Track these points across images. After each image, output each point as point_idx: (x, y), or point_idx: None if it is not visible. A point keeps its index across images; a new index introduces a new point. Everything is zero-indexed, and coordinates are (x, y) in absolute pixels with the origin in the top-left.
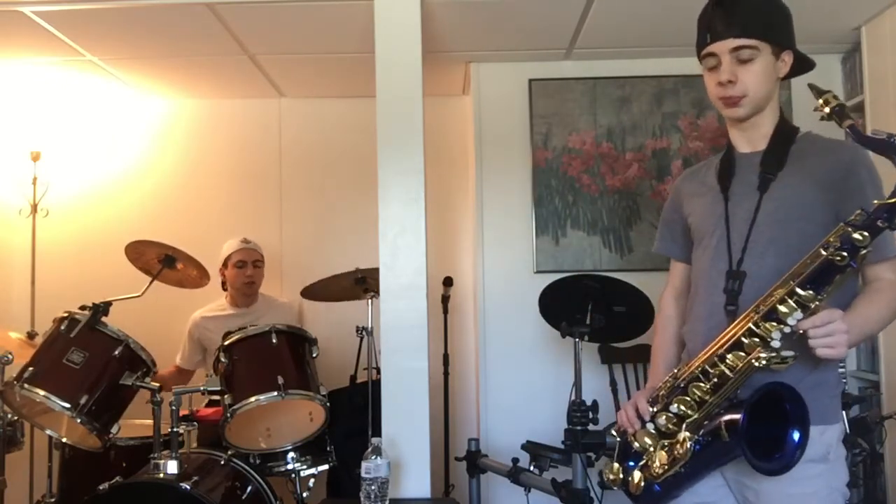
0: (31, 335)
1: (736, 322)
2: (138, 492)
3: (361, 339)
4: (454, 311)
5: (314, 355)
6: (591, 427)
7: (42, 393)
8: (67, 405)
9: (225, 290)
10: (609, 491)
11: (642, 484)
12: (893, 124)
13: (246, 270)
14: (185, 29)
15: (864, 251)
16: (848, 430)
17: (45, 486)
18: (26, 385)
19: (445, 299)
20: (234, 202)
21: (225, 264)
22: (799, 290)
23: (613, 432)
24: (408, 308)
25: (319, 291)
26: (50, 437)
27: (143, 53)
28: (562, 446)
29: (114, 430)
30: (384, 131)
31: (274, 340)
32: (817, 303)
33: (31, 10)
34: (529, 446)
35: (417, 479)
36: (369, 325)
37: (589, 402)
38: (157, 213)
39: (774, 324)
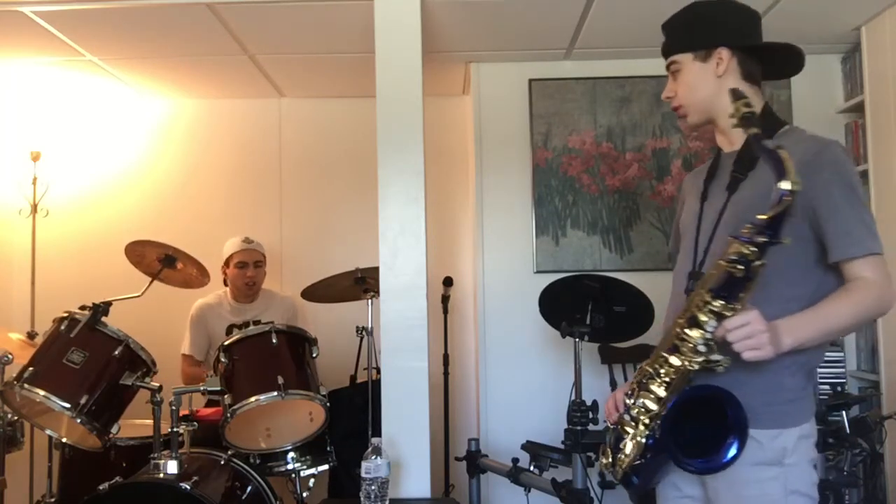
0: (31, 335)
1: (671, 326)
2: (138, 492)
3: (361, 339)
4: (454, 311)
5: (314, 355)
6: (591, 427)
7: (42, 393)
8: (67, 405)
9: (226, 285)
10: (609, 491)
11: (620, 470)
12: (894, 124)
13: (247, 272)
14: (185, 29)
15: (758, 263)
16: (848, 431)
17: (45, 486)
18: (26, 385)
19: (445, 299)
20: (234, 202)
21: (227, 263)
22: (710, 301)
23: (607, 421)
24: (408, 308)
25: (319, 292)
26: (50, 437)
27: (143, 53)
28: (562, 446)
29: (114, 430)
30: (384, 131)
31: (274, 340)
32: (731, 312)
33: (31, 10)
34: (529, 446)
35: (417, 479)
36: (369, 325)
37: (589, 402)
38: (157, 213)
39: (698, 330)
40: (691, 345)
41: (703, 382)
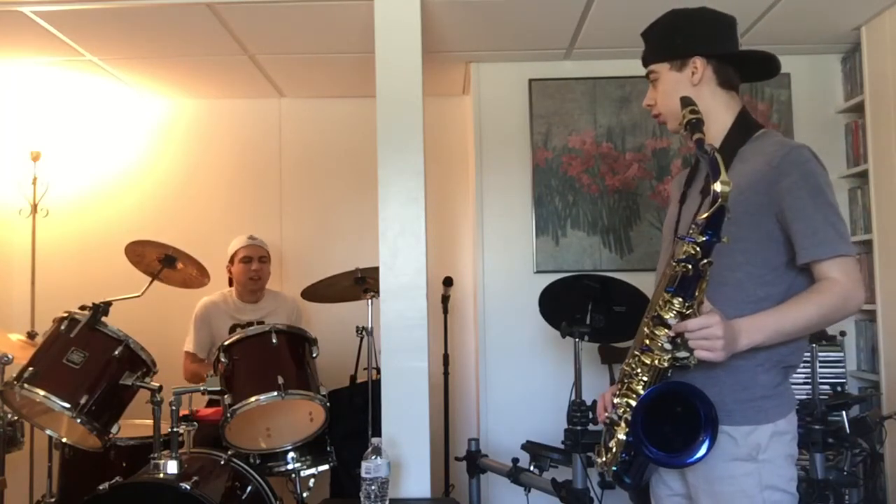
0: (31, 335)
1: (640, 325)
2: (138, 492)
3: (361, 339)
4: (454, 311)
5: (314, 355)
6: (591, 427)
7: (42, 393)
8: (67, 405)
9: (231, 286)
10: (609, 491)
11: (612, 469)
12: (894, 124)
13: (251, 265)
14: (185, 29)
15: (704, 261)
16: (848, 430)
17: (45, 486)
18: (26, 385)
19: (445, 299)
20: (235, 202)
21: (231, 260)
22: (670, 299)
23: (600, 420)
24: (408, 308)
25: (320, 292)
26: (50, 437)
27: (143, 53)
28: (562, 446)
29: (114, 430)
30: (384, 131)
31: (274, 340)
32: (689, 310)
33: (31, 10)
34: (529, 446)
35: (417, 479)
36: (369, 325)
37: (589, 402)
38: (157, 213)
39: (662, 328)
40: (659, 343)
41: (678, 379)
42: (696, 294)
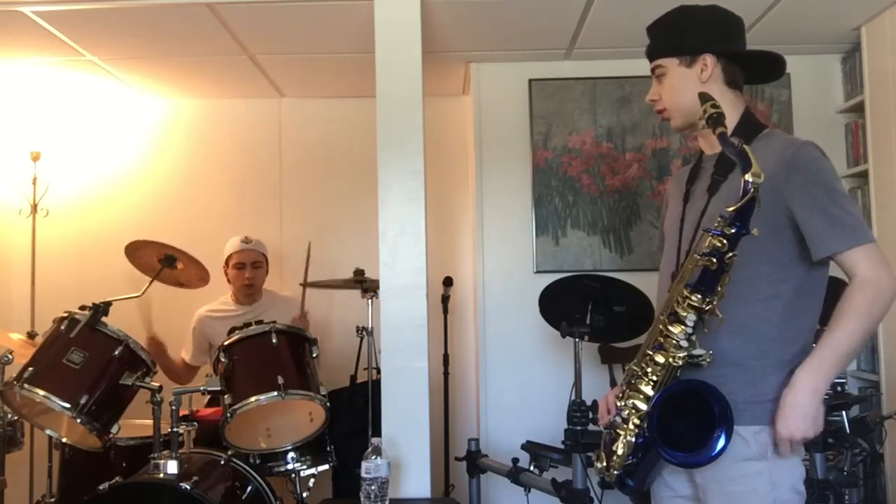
0: (31, 335)
1: (654, 323)
2: (138, 492)
3: (361, 339)
4: (454, 311)
5: (314, 355)
6: (591, 427)
7: (42, 393)
8: (67, 405)
9: (230, 282)
10: (609, 491)
11: (615, 473)
12: (893, 124)
13: (244, 272)
14: (185, 29)
15: (730, 255)
16: (848, 430)
17: (45, 486)
18: (26, 385)
19: (445, 299)
20: (235, 202)
21: (226, 263)
22: (689, 295)
23: (602, 424)
24: (408, 308)
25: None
26: (50, 437)
27: (143, 53)
28: (562, 446)
29: (114, 430)
30: (384, 131)
31: (274, 340)
32: (709, 306)
33: (31, 10)
34: (529, 446)
35: (417, 479)
36: (369, 325)
37: (589, 402)
38: (157, 213)
39: (679, 325)
40: (674, 341)
41: (688, 378)
42: (718, 289)
